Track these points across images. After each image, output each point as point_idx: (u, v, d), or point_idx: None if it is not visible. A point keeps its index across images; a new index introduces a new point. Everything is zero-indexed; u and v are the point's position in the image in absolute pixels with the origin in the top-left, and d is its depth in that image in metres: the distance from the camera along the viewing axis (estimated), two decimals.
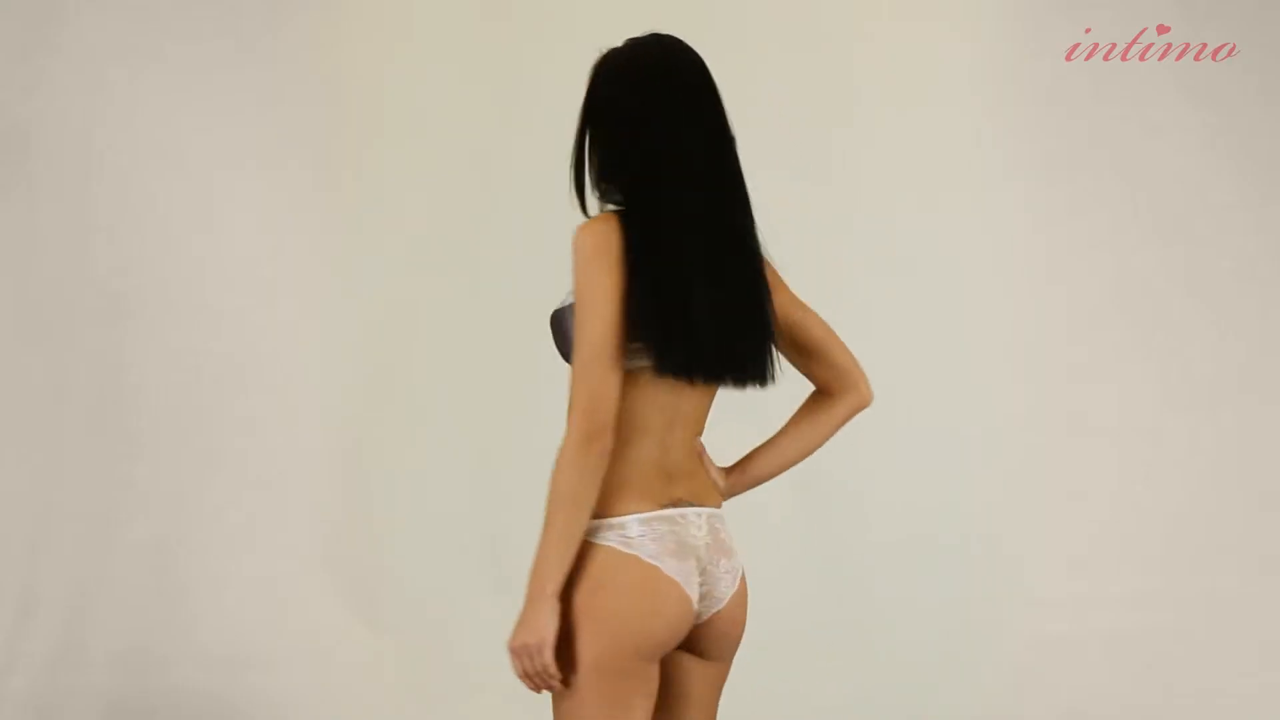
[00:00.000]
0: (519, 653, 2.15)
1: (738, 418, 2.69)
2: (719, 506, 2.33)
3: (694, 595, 2.24)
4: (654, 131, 2.21)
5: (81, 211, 4.67)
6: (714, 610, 2.28)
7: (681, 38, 2.30)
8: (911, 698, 4.51)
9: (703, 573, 2.26)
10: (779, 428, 2.45)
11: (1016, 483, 4.76)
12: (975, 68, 4.85)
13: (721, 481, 2.37)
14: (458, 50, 4.79)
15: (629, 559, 2.21)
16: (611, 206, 2.24)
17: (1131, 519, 4.77)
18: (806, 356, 2.39)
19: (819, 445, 2.42)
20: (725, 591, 2.28)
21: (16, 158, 4.65)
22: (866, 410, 2.45)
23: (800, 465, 2.45)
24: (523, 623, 2.14)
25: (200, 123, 4.71)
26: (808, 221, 4.66)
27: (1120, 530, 4.76)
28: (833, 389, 2.39)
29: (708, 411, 2.33)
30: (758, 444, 2.45)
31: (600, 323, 2.15)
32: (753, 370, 2.25)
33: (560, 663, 2.17)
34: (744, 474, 2.41)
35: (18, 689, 4.48)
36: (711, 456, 2.38)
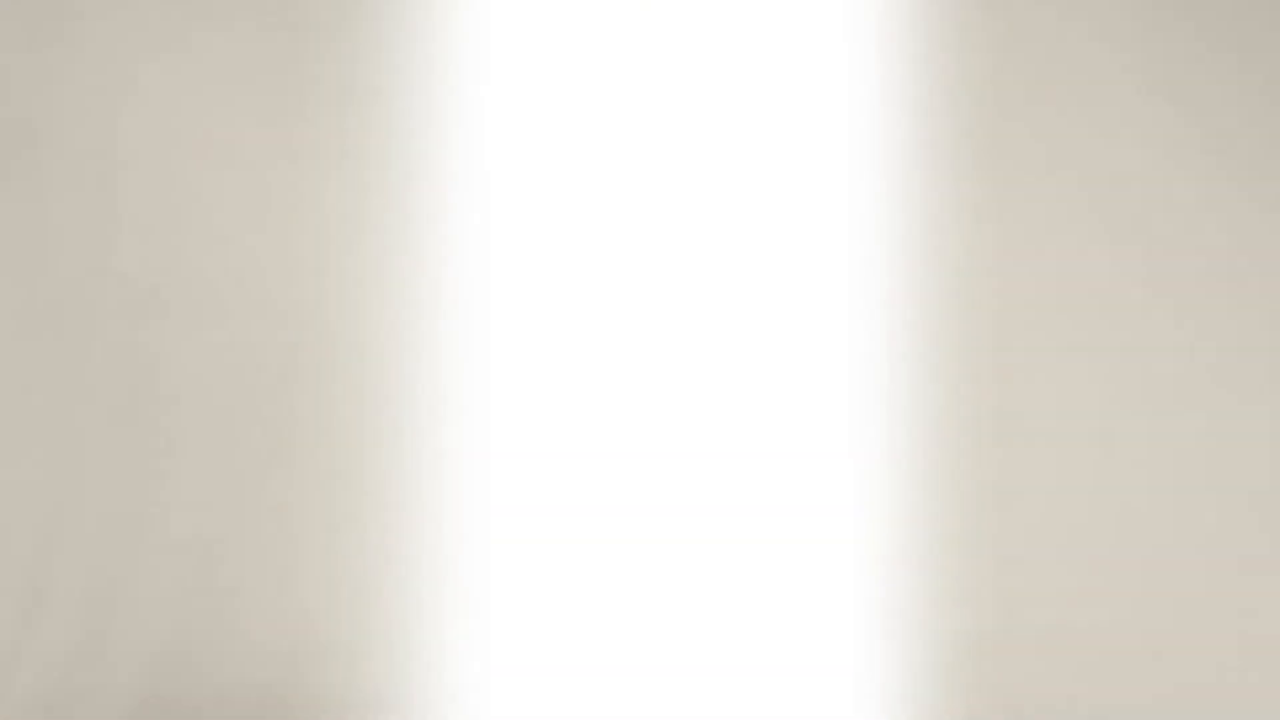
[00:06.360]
0: None
1: None
2: None
3: None
4: None
5: (107, 204, 4.68)
6: None
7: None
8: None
9: None
10: None
11: (1013, 483, 4.77)
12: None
13: None
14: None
15: None
16: None
17: (1127, 520, 4.77)
18: None
19: None
20: None
21: (28, 152, 4.66)
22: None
23: None
24: None
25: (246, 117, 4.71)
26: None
27: (1118, 530, 4.77)
28: None
29: None
30: None
31: None
32: None
33: None
34: None
35: (22, 687, 4.50)
36: None
